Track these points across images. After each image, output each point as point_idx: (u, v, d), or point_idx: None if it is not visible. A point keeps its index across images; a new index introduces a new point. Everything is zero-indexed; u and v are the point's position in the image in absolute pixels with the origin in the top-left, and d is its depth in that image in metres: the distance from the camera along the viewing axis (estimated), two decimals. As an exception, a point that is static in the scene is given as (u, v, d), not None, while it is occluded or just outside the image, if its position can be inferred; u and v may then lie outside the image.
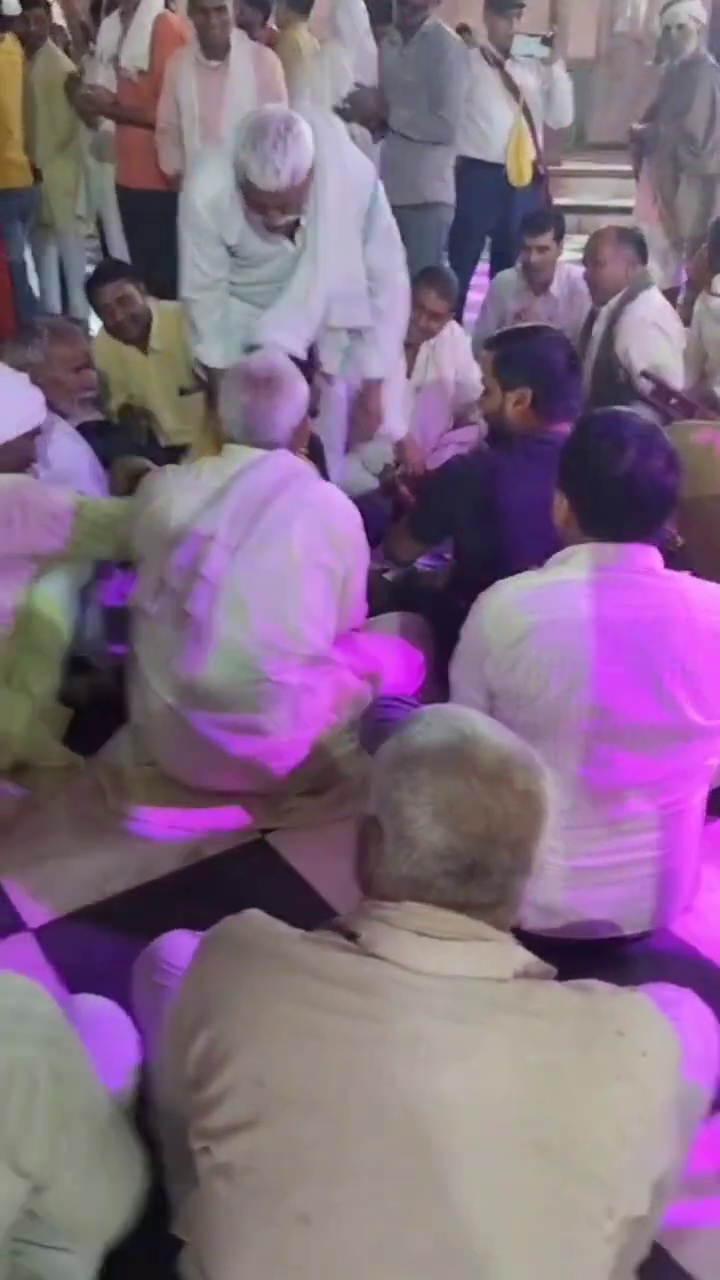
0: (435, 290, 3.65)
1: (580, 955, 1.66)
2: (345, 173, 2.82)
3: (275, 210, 2.70)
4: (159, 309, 3.61)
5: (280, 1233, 1.00)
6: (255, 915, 1.15)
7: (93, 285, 3.68)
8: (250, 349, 2.85)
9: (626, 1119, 1.01)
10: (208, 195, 2.78)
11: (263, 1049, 1.02)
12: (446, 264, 4.69)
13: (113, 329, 3.62)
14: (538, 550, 1.91)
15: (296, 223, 2.82)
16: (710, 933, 2.09)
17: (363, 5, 4.97)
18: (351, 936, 1.07)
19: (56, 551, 2.41)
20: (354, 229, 2.90)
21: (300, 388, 2.33)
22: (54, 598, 2.47)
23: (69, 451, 2.76)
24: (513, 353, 2.51)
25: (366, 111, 4.53)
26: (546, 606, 1.75)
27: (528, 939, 1.35)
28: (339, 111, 4.72)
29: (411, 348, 3.75)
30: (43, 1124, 1.06)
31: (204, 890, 2.17)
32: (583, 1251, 1.00)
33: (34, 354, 2.76)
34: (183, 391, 3.63)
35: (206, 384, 3.27)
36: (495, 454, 2.60)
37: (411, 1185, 0.98)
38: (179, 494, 2.26)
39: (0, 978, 1.11)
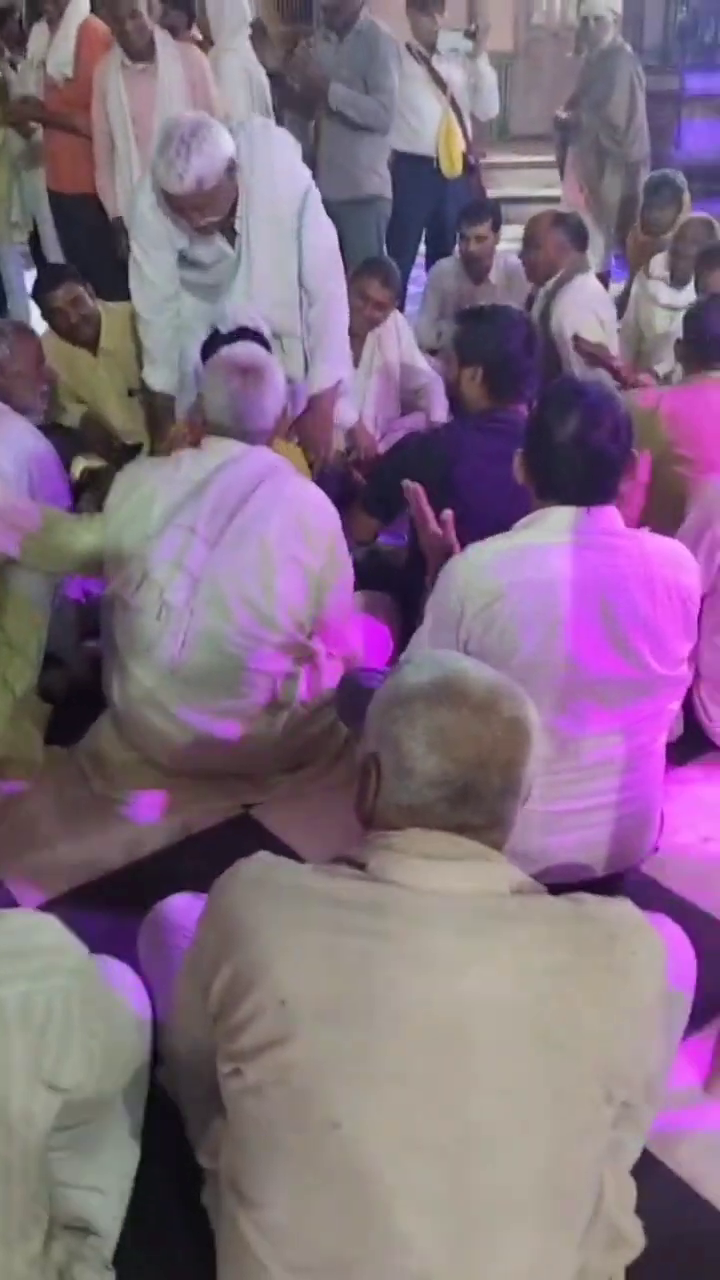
0: (378, 280, 3.75)
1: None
2: (273, 178, 2.87)
3: (194, 212, 2.77)
4: (106, 310, 3.66)
5: (312, 1139, 1.08)
6: (265, 855, 1.23)
7: (43, 289, 3.70)
8: (215, 335, 2.91)
9: (620, 1011, 1.11)
10: (152, 199, 2.85)
11: (286, 971, 1.10)
12: (385, 255, 4.79)
13: (65, 331, 3.65)
14: (492, 523, 2.00)
15: (233, 229, 2.89)
16: (677, 870, 2.21)
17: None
18: (360, 866, 1.16)
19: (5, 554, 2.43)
20: (288, 236, 2.96)
21: (280, 377, 2.39)
22: (29, 594, 2.51)
23: (31, 447, 2.77)
24: (471, 331, 2.65)
25: (306, 76, 4.56)
26: (517, 568, 1.84)
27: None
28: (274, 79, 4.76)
29: (358, 337, 3.84)
30: (79, 1045, 1.13)
31: (193, 863, 2.24)
32: (587, 1130, 1.10)
33: (1, 351, 2.81)
34: (131, 393, 3.67)
35: (146, 402, 3.38)
36: (451, 428, 2.72)
37: (432, 1083, 1.07)
38: (162, 485, 2.30)
39: (33, 919, 1.17)
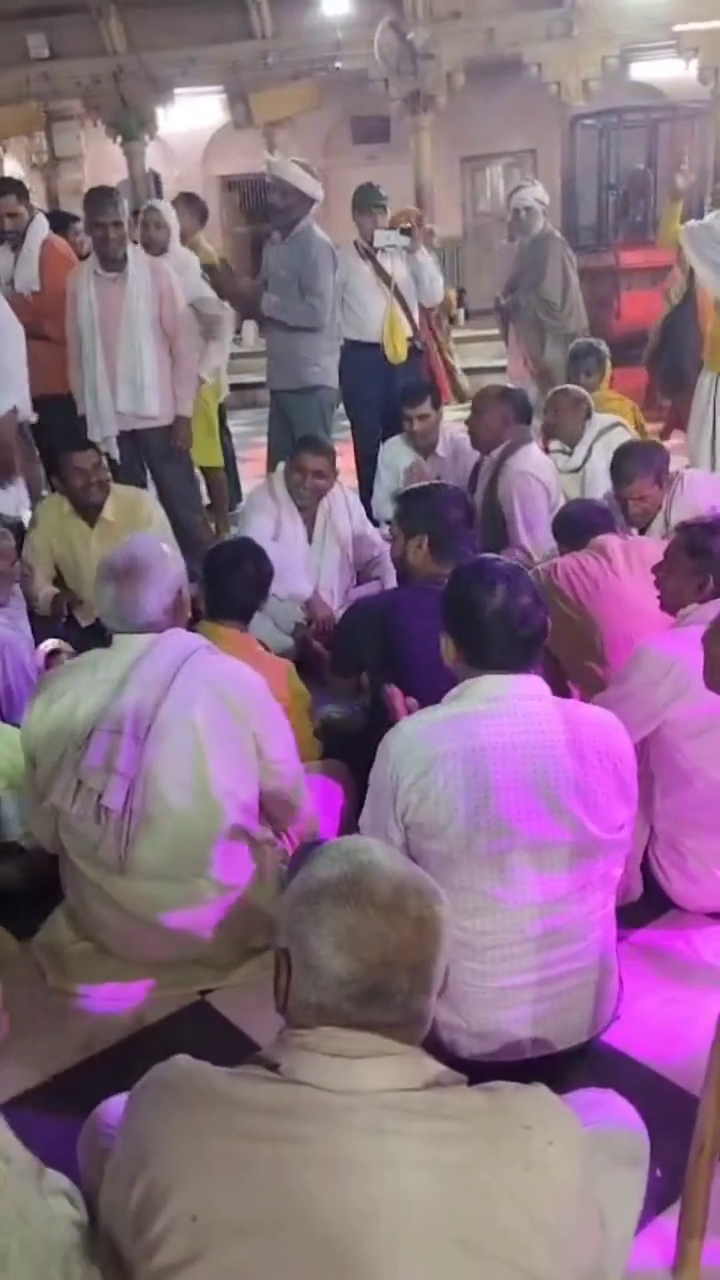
0: (309, 451, 4.05)
1: (518, 1077, 1.73)
2: None
3: None
4: (115, 486, 3.99)
5: None
6: (181, 1060, 1.22)
7: (68, 450, 3.98)
8: None
9: (539, 1205, 1.09)
10: None
11: (197, 1184, 1.08)
12: (330, 437, 5.09)
13: (77, 492, 3.91)
14: (439, 679, 2.07)
15: None
16: (641, 1038, 2.17)
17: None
18: (274, 1067, 1.16)
19: None
20: None
21: (169, 569, 2.38)
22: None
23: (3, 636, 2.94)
24: (413, 506, 2.92)
25: (238, 293, 5.06)
26: (447, 738, 1.89)
27: (466, 1066, 1.41)
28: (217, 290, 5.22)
29: (307, 510, 4.03)
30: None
31: (149, 1057, 2.13)
32: None
33: None
34: None
35: None
36: (394, 591, 2.88)
37: (349, 1295, 1.04)
38: (84, 693, 2.30)
39: None
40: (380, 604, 2.85)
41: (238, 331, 6.07)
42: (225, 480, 6.09)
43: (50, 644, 3.70)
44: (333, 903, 1.17)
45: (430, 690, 2.13)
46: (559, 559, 3.26)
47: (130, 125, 12.93)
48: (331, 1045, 1.14)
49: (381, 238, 5.31)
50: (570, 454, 4.60)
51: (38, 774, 2.35)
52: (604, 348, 5.23)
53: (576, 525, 3.35)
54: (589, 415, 4.56)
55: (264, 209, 5.58)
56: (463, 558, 2.70)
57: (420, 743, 1.91)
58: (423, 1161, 1.08)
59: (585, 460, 4.51)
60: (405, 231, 5.43)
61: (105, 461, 3.99)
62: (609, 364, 5.24)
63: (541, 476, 4.10)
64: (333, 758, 2.90)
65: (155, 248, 5.13)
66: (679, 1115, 1.76)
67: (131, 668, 2.30)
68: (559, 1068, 2.03)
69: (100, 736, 2.25)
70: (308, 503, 4.02)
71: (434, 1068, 1.17)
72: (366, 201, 5.41)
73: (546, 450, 4.55)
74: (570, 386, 4.79)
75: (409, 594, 2.78)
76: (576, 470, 4.53)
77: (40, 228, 4.93)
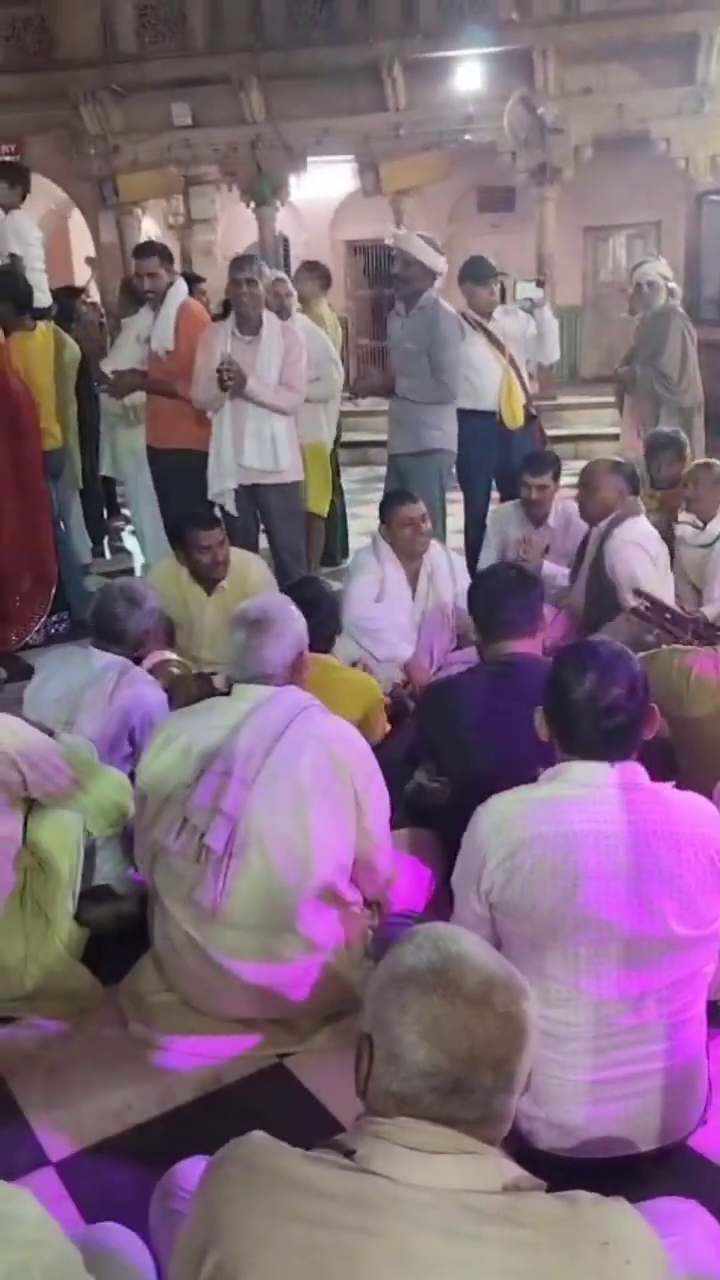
0: (403, 502, 4.20)
1: (597, 1175, 1.68)
2: None
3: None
4: (234, 552, 4.19)
5: None
6: (259, 1137, 1.22)
7: (196, 527, 4.14)
8: None
9: (614, 1327, 1.05)
10: None
11: (266, 1268, 1.07)
12: (447, 500, 5.18)
13: (204, 568, 4.10)
14: (505, 758, 2.05)
15: None
16: (728, 1147, 2.08)
17: None
18: (349, 1153, 1.15)
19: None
20: None
21: (294, 626, 2.51)
22: (60, 823, 2.61)
23: (150, 701, 3.14)
24: (472, 586, 3.07)
25: (373, 390, 5.21)
26: (538, 820, 1.87)
27: (543, 1158, 1.38)
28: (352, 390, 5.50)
29: (411, 571, 4.10)
30: None
31: (224, 1117, 2.19)
32: None
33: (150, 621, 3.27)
34: None
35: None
36: (458, 676, 2.89)
37: None
38: (197, 734, 2.41)
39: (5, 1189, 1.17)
40: (445, 686, 2.91)
41: (354, 395, 6.21)
42: (324, 530, 6.22)
43: (160, 655, 3.81)
44: (419, 991, 1.16)
45: (491, 775, 2.10)
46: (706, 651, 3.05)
47: (264, 191, 13.42)
48: (409, 1138, 1.13)
49: (521, 290, 5.43)
50: (702, 529, 4.55)
51: (146, 810, 2.45)
52: (683, 437, 5.24)
53: None
54: None
55: (387, 274, 5.72)
56: (507, 630, 2.77)
57: (511, 823, 1.89)
58: (495, 1268, 1.05)
59: (718, 538, 4.48)
60: (539, 284, 5.52)
61: (220, 513, 4.17)
62: (689, 452, 5.23)
63: (648, 547, 4.06)
64: (421, 826, 2.88)
65: (283, 314, 5.33)
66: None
67: (247, 715, 2.38)
68: (641, 1169, 1.96)
69: (210, 777, 2.33)
70: (413, 555, 4.10)
71: (513, 1171, 1.15)
72: (481, 274, 5.50)
73: (677, 521, 4.52)
74: (714, 461, 4.73)
75: (468, 676, 2.83)
76: (707, 546, 4.48)
77: (179, 292, 5.18)
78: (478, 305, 5.49)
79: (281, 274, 5.95)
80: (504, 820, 1.90)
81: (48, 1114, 2.25)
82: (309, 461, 5.35)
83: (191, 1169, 1.65)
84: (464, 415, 5.29)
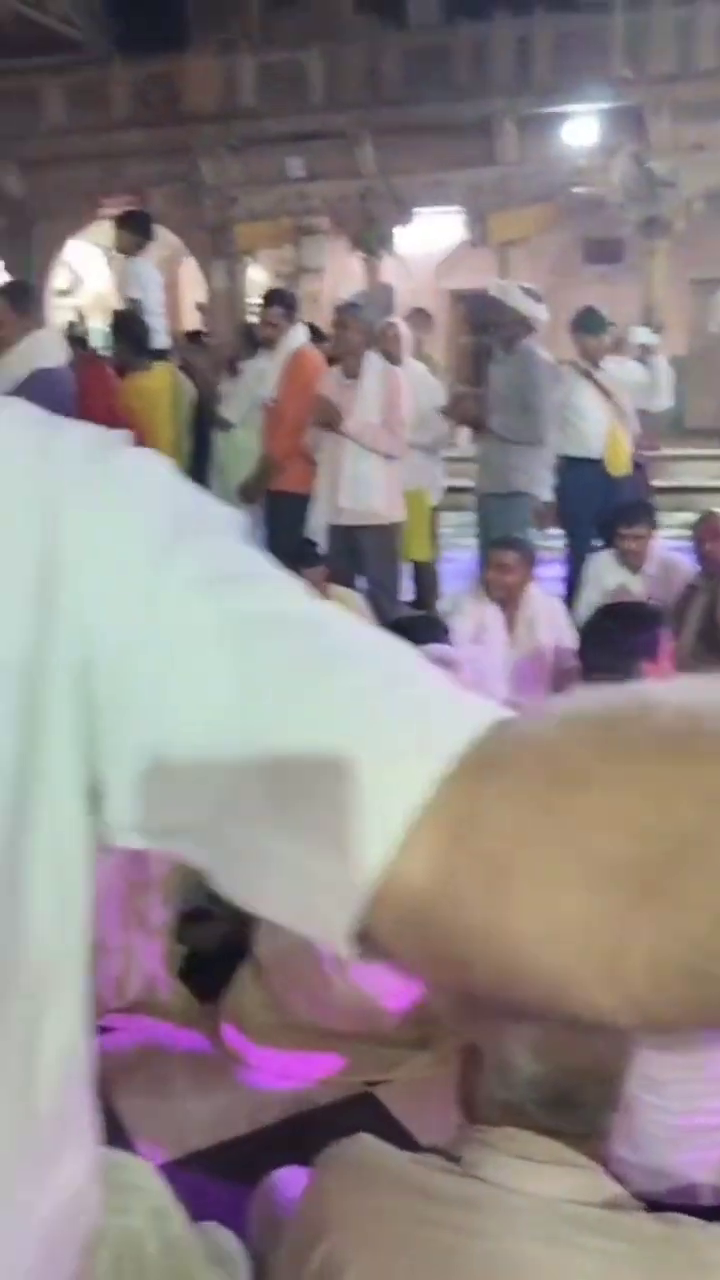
0: (500, 547, 4.29)
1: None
2: None
3: None
4: (330, 590, 4.32)
5: None
6: (367, 1139, 1.27)
7: (299, 566, 4.23)
8: None
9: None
10: None
11: (375, 1263, 1.12)
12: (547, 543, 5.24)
13: None
14: None
15: None
16: None
17: None
18: (455, 1159, 1.19)
19: None
20: None
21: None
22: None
23: None
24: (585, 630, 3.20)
25: (465, 414, 5.19)
26: None
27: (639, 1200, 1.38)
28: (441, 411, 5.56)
29: (508, 614, 4.15)
30: None
31: (311, 1138, 2.20)
32: None
33: None
34: None
35: None
36: None
37: None
38: None
39: (113, 1156, 1.23)
40: None
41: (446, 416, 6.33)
42: (437, 574, 6.31)
43: None
44: None
45: None
46: None
47: (372, 241, 13.77)
48: (515, 1147, 1.16)
49: (637, 334, 5.47)
50: None
51: None
52: None
53: None
54: None
55: (489, 323, 5.83)
56: (593, 670, 2.78)
57: None
58: (590, 1277, 1.08)
59: None
60: (657, 330, 5.57)
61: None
62: None
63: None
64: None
65: (393, 359, 5.47)
66: None
67: None
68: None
69: None
70: (500, 599, 4.15)
71: (614, 1188, 1.17)
72: (592, 324, 5.58)
73: None
74: None
75: None
76: None
77: (295, 339, 5.35)
78: (588, 354, 5.57)
79: (395, 319, 6.10)
80: None
81: (144, 1123, 2.32)
82: (410, 507, 5.46)
83: (290, 1177, 1.70)
84: (570, 462, 5.35)
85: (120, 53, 14.93)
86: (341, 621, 0.50)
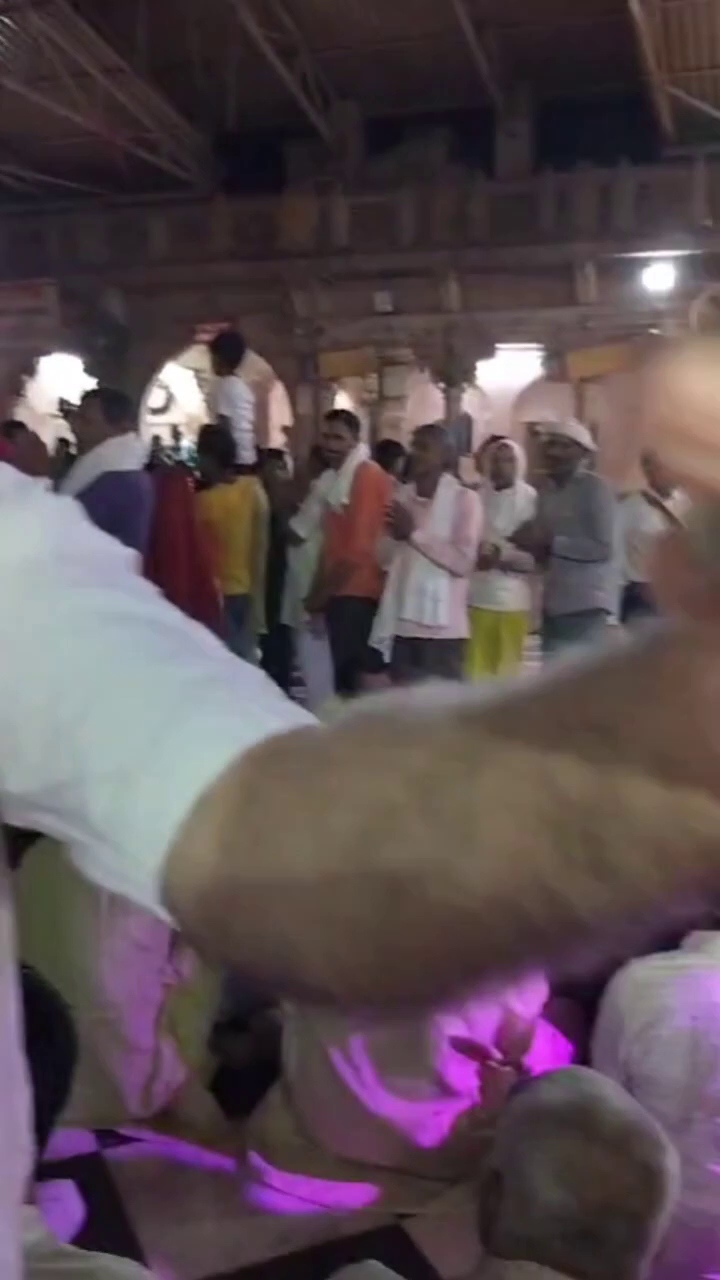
0: None
1: None
2: None
3: None
4: None
5: None
6: (376, 1266, 1.21)
7: (363, 671, 4.33)
8: None
9: None
10: None
11: None
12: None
13: None
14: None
15: None
16: None
17: None
18: (469, 1294, 1.12)
19: None
20: None
21: None
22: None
23: None
24: None
25: (532, 543, 5.23)
26: (680, 991, 1.81)
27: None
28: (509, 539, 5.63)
29: None
30: None
31: (334, 1269, 2.11)
32: None
33: None
34: None
35: None
36: None
37: None
38: None
39: (121, 1262, 1.19)
40: None
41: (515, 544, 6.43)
42: None
43: None
44: (556, 1128, 1.15)
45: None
46: None
47: (454, 374, 14.21)
48: (533, 1284, 1.09)
49: None
50: None
51: None
52: None
53: None
54: None
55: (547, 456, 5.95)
56: None
57: (650, 990, 1.84)
58: None
59: None
60: None
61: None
62: None
63: None
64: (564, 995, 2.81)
65: (501, 479, 5.71)
66: None
67: None
68: None
69: None
70: None
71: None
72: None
73: None
74: None
75: None
76: None
77: (359, 454, 5.51)
78: (658, 485, 5.63)
79: (509, 440, 6.26)
80: (643, 988, 1.85)
81: (159, 1240, 2.23)
82: (505, 631, 5.56)
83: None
84: (640, 586, 5.36)
85: (224, 191, 15.94)
86: (198, 633, 0.54)
